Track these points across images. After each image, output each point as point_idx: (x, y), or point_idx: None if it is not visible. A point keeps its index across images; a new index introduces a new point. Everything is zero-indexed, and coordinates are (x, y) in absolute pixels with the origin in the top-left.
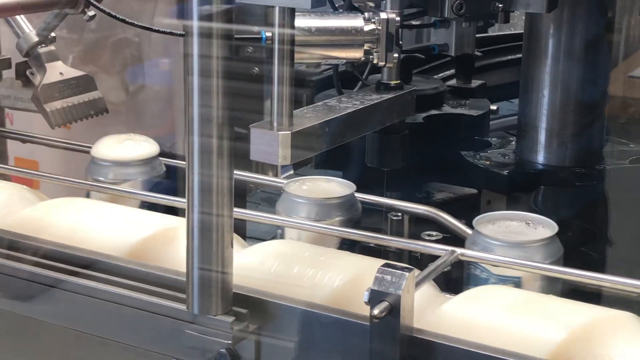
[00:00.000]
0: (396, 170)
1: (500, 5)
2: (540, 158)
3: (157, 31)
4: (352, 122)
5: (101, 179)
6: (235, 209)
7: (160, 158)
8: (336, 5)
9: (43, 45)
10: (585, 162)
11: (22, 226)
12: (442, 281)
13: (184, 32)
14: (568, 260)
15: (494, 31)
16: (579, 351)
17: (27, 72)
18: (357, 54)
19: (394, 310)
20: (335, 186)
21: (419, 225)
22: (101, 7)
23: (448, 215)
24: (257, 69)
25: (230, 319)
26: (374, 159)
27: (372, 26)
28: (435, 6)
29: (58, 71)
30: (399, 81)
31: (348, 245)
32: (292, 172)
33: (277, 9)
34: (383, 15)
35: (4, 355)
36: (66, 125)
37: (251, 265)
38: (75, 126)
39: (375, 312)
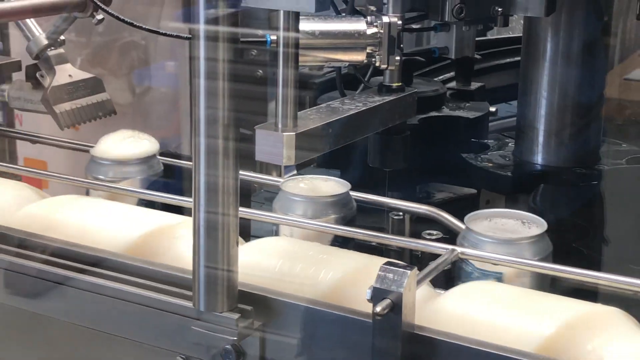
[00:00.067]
0: (398, 171)
1: (499, 9)
2: (539, 159)
3: (164, 34)
4: (355, 124)
5: (100, 177)
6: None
7: (159, 157)
8: (339, 9)
9: (52, 48)
10: (583, 163)
11: (27, 222)
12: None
13: (190, 36)
14: (564, 257)
15: (492, 35)
16: (568, 345)
17: (37, 75)
18: (359, 57)
19: (396, 307)
20: (331, 185)
21: (419, 225)
22: (110, 11)
23: (448, 214)
24: (261, 71)
25: (236, 315)
26: (376, 160)
27: (374, 30)
28: (435, 10)
29: (67, 73)
30: (400, 83)
31: (340, 242)
32: (295, 172)
33: (282, 12)
34: (385, 19)
35: (13, 351)
36: (75, 127)
37: (247, 262)
38: (83, 127)
39: (378, 309)
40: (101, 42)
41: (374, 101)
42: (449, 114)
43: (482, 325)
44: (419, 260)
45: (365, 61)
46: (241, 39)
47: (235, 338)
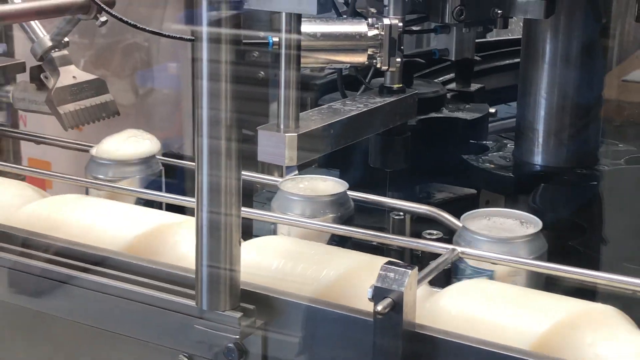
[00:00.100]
0: (398, 171)
1: (499, 12)
2: (538, 159)
3: (167, 36)
4: (356, 125)
5: (99, 176)
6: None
7: (161, 157)
8: (340, 11)
9: (56, 49)
10: (582, 163)
11: (28, 221)
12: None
13: (193, 37)
14: (562, 257)
15: (492, 37)
16: (563, 342)
17: (41, 76)
18: (360, 59)
19: (397, 306)
20: (329, 184)
21: (420, 225)
22: (113, 13)
23: (448, 214)
24: (262, 72)
25: (238, 314)
26: (377, 160)
27: (375, 31)
28: (436, 12)
29: (71, 75)
30: (401, 85)
31: (337, 241)
32: (296, 172)
33: (283, 14)
34: (386, 21)
35: (16, 349)
36: (78, 127)
37: (247, 260)
38: (87, 128)
39: (379, 308)
40: (104, 43)
41: (375, 102)
42: (449, 115)
43: (479, 323)
44: (419, 259)
45: (366, 63)
46: (243, 41)
47: (237, 337)
